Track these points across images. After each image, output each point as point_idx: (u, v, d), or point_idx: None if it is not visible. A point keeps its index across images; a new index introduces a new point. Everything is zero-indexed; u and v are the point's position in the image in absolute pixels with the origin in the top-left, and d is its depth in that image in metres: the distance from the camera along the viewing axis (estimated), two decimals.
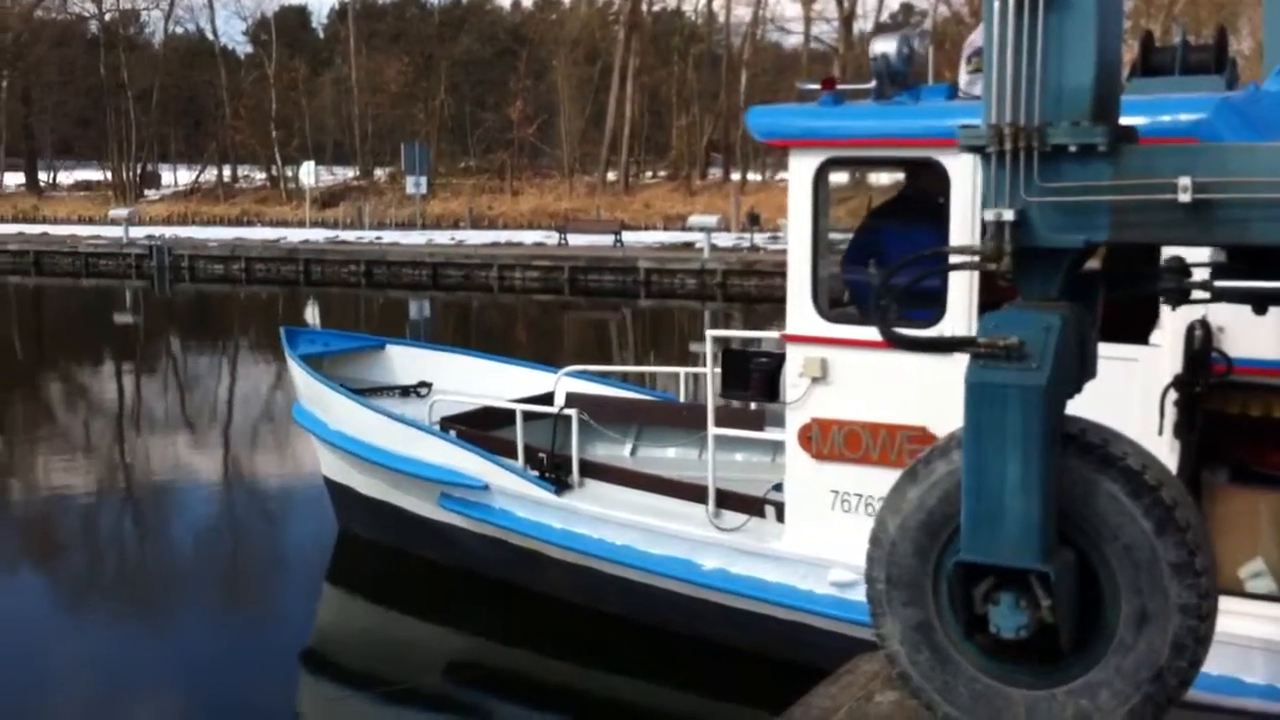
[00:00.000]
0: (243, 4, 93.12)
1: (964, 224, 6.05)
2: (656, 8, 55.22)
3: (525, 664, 8.02)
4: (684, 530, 7.36)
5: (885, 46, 6.26)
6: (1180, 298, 3.20)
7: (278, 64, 58.55)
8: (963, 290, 6.12)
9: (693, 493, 7.51)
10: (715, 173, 53.36)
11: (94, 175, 62.56)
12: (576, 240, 36.39)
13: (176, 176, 65.56)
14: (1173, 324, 5.43)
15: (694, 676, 7.46)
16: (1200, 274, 3.20)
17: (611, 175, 51.68)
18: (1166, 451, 5.03)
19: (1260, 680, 5.36)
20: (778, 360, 6.94)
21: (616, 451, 9.15)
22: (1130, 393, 5.34)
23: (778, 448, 7.21)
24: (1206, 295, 3.16)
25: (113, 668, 7.94)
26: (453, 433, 8.72)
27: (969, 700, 3.33)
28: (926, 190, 6.55)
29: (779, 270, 6.83)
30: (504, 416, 8.77)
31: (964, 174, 6.02)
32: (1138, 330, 5.61)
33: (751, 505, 7.23)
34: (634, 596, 7.69)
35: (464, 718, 7.48)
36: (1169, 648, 3.09)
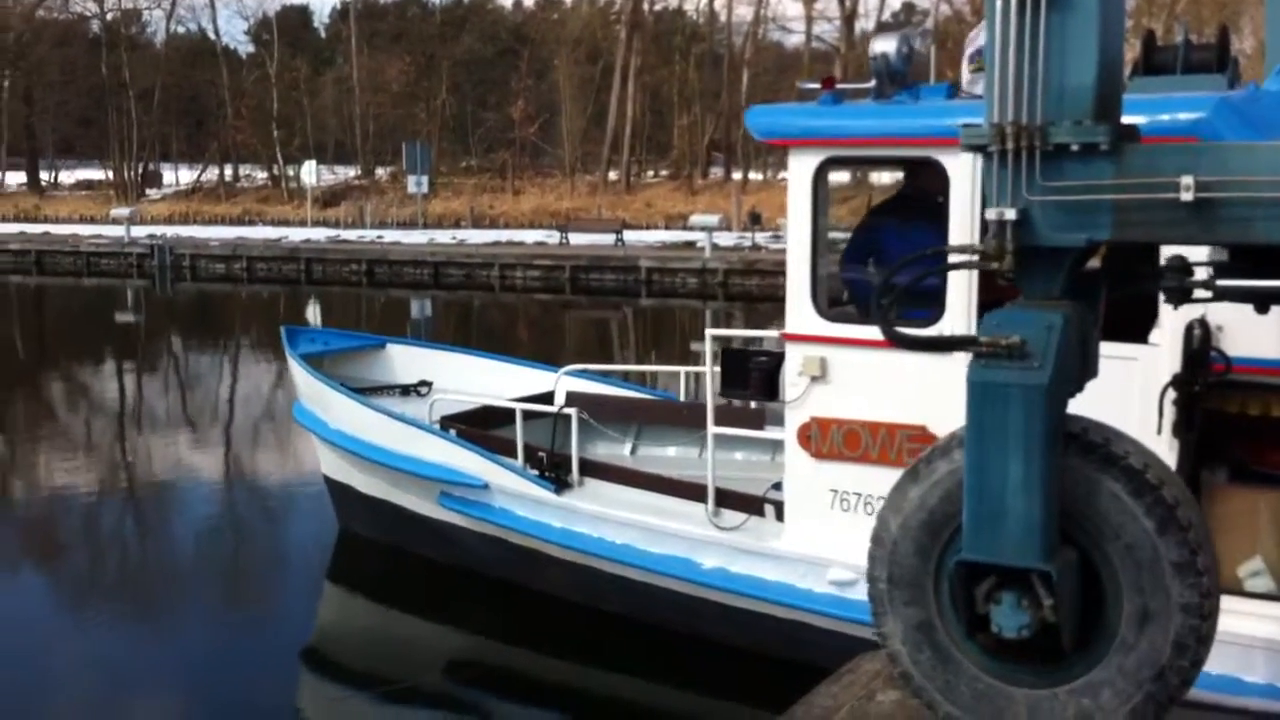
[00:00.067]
0: (244, 3, 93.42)
1: (963, 223, 6.05)
2: (658, 7, 55.32)
3: (525, 663, 8.02)
4: (683, 529, 7.36)
5: (885, 46, 6.26)
6: (1182, 297, 3.19)
7: (279, 63, 58.55)
8: (962, 290, 6.11)
9: (692, 492, 7.51)
10: (717, 172, 53.36)
11: (95, 175, 62.58)
12: (578, 239, 36.39)
13: (178, 176, 65.57)
14: (1171, 323, 5.43)
15: (693, 675, 7.45)
16: (1202, 273, 3.20)
17: (613, 174, 51.69)
18: (1165, 451, 5.02)
19: (1260, 679, 5.35)
20: (777, 359, 6.93)
21: (616, 450, 9.15)
22: (1129, 392, 5.33)
23: (778, 447, 7.21)
24: (1209, 294, 3.15)
25: (114, 666, 7.94)
26: (453, 432, 8.72)
27: (971, 699, 3.32)
28: (925, 189, 6.54)
29: (780, 269, 6.81)
30: (504, 415, 8.77)
31: (963, 173, 6.01)
32: (1137, 329, 5.61)
33: (751, 504, 7.23)
34: (633, 595, 7.69)
35: (464, 716, 7.48)
36: (1171, 647, 3.09)
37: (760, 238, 34.78)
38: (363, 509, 9.72)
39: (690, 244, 34.30)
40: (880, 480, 6.17)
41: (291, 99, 58.35)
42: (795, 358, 6.65)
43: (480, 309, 30.87)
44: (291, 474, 12.72)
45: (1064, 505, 3.11)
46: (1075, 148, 2.97)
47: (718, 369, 7.40)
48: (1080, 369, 3.18)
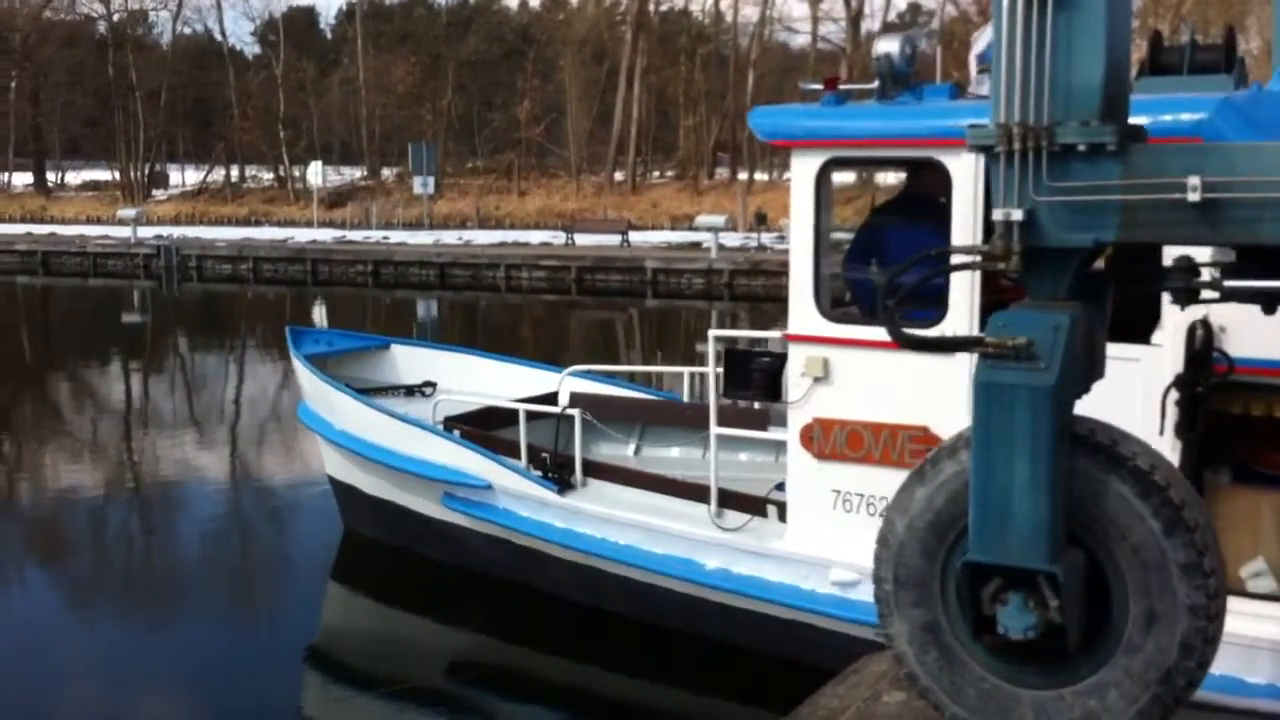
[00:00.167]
0: (251, 4, 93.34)
1: (965, 224, 6.04)
2: (664, 8, 55.35)
3: (528, 662, 8.02)
4: (686, 530, 7.36)
5: (888, 46, 6.26)
6: (1190, 297, 3.18)
7: (285, 64, 58.70)
8: (964, 290, 6.10)
9: (695, 492, 7.50)
10: (722, 172, 53.38)
11: (102, 175, 62.70)
12: (583, 240, 36.40)
13: (184, 177, 65.72)
14: (1174, 324, 5.41)
15: (696, 676, 7.45)
16: (1209, 273, 3.19)
17: (619, 175, 51.72)
18: (1168, 451, 5.02)
19: (1262, 680, 5.34)
20: (780, 360, 6.92)
21: (620, 451, 9.15)
22: (1132, 393, 5.32)
23: (781, 447, 7.20)
24: (1216, 295, 3.14)
25: (119, 665, 7.96)
26: (456, 432, 8.72)
27: (977, 700, 3.31)
28: (928, 190, 6.54)
29: (786, 270, 6.81)
30: (508, 416, 8.77)
31: (966, 174, 6.01)
32: (1139, 330, 5.59)
33: (753, 505, 7.22)
34: (636, 596, 7.68)
35: (468, 715, 7.48)
36: (1177, 648, 3.08)
37: (766, 238, 34.77)
38: (367, 509, 9.73)
39: (696, 245, 34.30)
40: (883, 481, 6.19)
41: (298, 100, 58.49)
42: (798, 358, 6.64)
43: (486, 309, 30.90)
44: (296, 474, 12.74)
45: (1071, 506, 3.10)
46: (1082, 148, 2.96)
47: (720, 370, 7.39)
48: (1087, 370, 3.17)
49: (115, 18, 60.83)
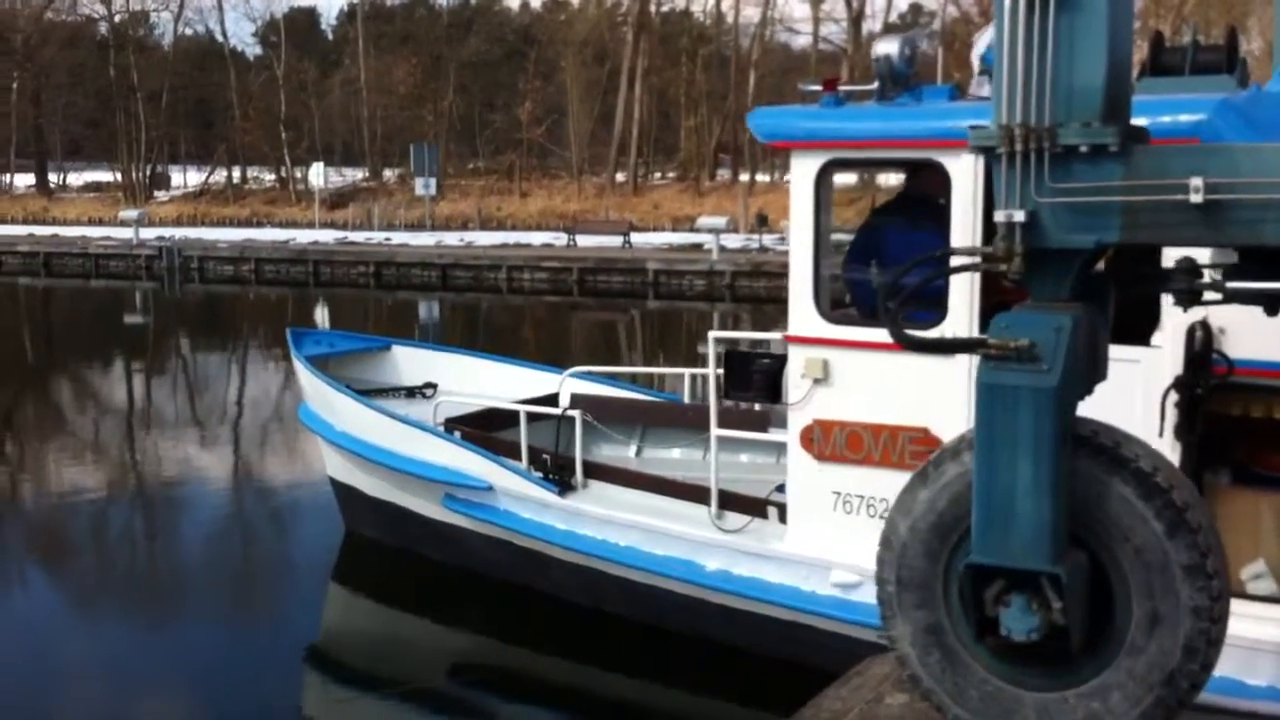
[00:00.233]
0: (252, 6, 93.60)
1: (965, 225, 6.04)
2: (665, 9, 55.33)
3: (529, 664, 8.01)
4: (687, 531, 7.35)
5: (888, 48, 6.26)
6: (1192, 298, 3.17)
7: (287, 65, 58.71)
8: (964, 292, 6.09)
9: (695, 494, 7.50)
10: (724, 174, 53.39)
11: (104, 177, 62.71)
12: (585, 241, 36.40)
13: (186, 178, 65.76)
14: (1174, 325, 5.40)
15: (696, 677, 7.44)
16: (1211, 274, 3.18)
17: (620, 176, 51.70)
18: (1168, 453, 5.01)
19: (1263, 682, 5.33)
20: (780, 361, 6.92)
21: (621, 452, 9.14)
22: (1131, 394, 5.31)
23: (782, 449, 7.20)
24: (1218, 296, 3.13)
25: (121, 666, 7.96)
26: (457, 434, 8.72)
27: (980, 702, 3.31)
28: (928, 191, 6.53)
29: (787, 271, 6.80)
30: (508, 417, 8.76)
31: (965, 175, 6.00)
32: (1139, 331, 5.59)
33: (754, 506, 7.22)
34: (637, 597, 7.68)
35: (469, 717, 7.48)
36: (1181, 650, 3.07)
37: (767, 240, 34.76)
38: (368, 511, 9.72)
39: (697, 246, 34.29)
40: (883, 482, 6.19)
41: (299, 101, 58.49)
42: (797, 360, 6.64)
43: (488, 311, 30.90)
44: (297, 476, 12.74)
45: (1074, 508, 3.09)
46: (1084, 149, 2.95)
47: (721, 371, 7.39)
48: (1090, 371, 3.16)
49: (117, 19, 60.94)
